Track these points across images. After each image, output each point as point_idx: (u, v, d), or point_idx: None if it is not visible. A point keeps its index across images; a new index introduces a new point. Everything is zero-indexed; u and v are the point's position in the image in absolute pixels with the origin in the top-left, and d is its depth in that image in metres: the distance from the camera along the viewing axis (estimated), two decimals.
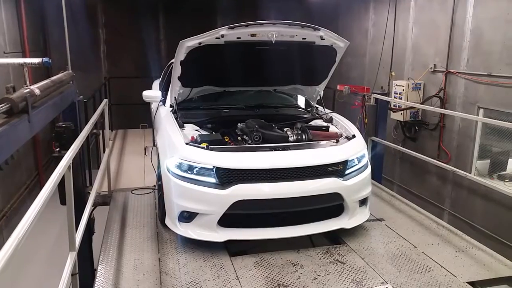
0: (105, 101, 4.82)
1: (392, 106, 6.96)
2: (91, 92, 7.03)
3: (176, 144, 3.75)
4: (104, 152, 6.27)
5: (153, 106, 5.71)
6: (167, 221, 3.82)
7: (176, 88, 4.42)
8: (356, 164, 3.94)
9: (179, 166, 3.63)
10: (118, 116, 9.55)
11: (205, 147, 3.67)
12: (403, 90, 7.16)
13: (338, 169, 3.75)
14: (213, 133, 4.25)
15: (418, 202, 7.11)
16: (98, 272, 3.42)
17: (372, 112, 5.92)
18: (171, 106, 4.64)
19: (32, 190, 7.97)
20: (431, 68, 7.03)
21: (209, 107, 4.72)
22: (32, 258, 4.74)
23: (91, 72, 10.02)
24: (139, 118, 8.58)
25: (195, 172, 3.58)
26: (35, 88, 3.23)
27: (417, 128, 7.35)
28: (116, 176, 5.97)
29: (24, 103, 2.91)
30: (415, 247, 3.88)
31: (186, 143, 3.71)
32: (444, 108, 6.61)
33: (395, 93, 7.20)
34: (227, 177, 3.52)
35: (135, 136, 8.52)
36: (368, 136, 5.87)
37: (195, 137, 3.93)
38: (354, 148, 3.98)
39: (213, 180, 3.54)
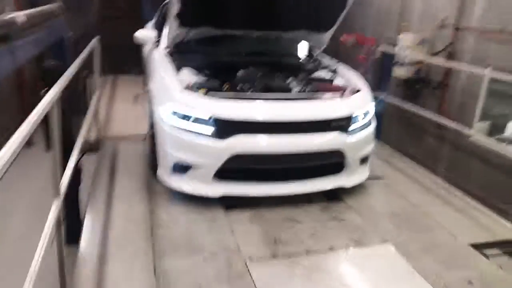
0: (95, 39, 4.46)
1: (398, 61, 6.65)
2: (82, 32, 6.59)
3: (171, 89, 3.48)
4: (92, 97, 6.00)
5: (146, 49, 5.35)
6: (160, 173, 3.63)
7: (173, 28, 4.07)
8: (361, 120, 3.73)
9: (174, 114, 3.39)
10: (109, 61, 9.08)
11: (204, 93, 3.42)
12: (409, 44, 6.83)
13: (341, 125, 3.54)
14: (212, 79, 3.98)
15: (413, 161, 7.08)
16: (85, 221, 3.27)
17: (377, 66, 5.63)
18: (166, 47, 4.31)
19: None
20: (440, 21, 6.66)
21: (208, 52, 4.40)
22: (14, 207, 4.58)
23: (82, 12, 9.36)
24: (131, 63, 8.18)
25: (191, 121, 3.35)
26: (20, 14, 2.87)
27: (419, 85, 7.09)
28: (105, 123, 5.71)
29: (5, 29, 2.57)
30: (415, 206, 3.78)
31: (185, 88, 3.45)
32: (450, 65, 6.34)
33: (400, 47, 6.86)
34: (225, 128, 3.30)
35: (126, 82, 8.16)
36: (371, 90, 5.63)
37: (192, 83, 3.67)
38: (360, 103, 3.76)
39: (209, 130, 3.32)
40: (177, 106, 3.37)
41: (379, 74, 5.67)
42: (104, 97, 7.15)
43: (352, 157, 3.63)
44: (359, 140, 3.63)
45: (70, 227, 3.29)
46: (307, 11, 4.13)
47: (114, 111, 6.29)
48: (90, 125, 5.05)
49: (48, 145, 5.00)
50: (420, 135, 7.18)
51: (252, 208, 3.50)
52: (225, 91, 3.77)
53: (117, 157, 4.55)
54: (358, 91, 3.88)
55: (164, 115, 3.44)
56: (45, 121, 2.41)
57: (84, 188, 4.13)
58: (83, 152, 5.28)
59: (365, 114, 3.78)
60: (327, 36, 4.55)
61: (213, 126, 3.31)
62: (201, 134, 3.32)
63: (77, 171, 5.24)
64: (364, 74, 6.04)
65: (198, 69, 4.07)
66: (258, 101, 3.42)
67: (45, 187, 2.93)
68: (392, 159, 4.97)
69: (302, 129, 3.39)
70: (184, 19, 3.90)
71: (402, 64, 6.67)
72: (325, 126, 3.47)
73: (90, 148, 5.06)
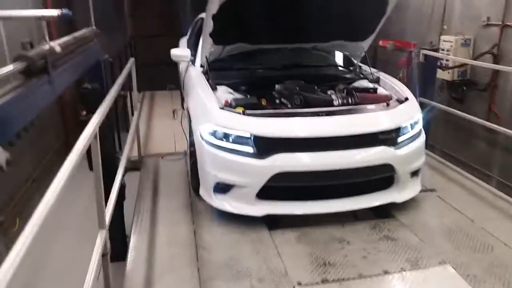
0: (131, 60, 4.49)
1: (441, 64, 6.34)
2: (116, 53, 6.73)
3: (209, 109, 3.41)
4: (132, 115, 6.05)
5: (182, 66, 5.36)
6: (202, 192, 3.56)
7: (207, 46, 4.03)
8: (410, 131, 3.52)
9: (214, 134, 3.31)
10: (145, 78, 9.25)
11: (241, 112, 3.32)
12: (451, 46, 6.51)
13: (389, 137, 3.35)
14: (248, 96, 3.89)
15: (464, 169, 6.69)
16: (130, 246, 3.23)
17: (420, 71, 5.38)
18: (201, 66, 4.27)
19: (61, 155, 7.90)
20: (483, 21, 6.31)
21: (242, 67, 4.33)
22: (60, 230, 4.66)
23: (115, 31, 9.63)
24: (166, 79, 8.27)
25: (231, 140, 3.26)
26: (56, 44, 2.89)
27: (464, 88, 6.74)
28: (145, 140, 5.74)
29: (43, 61, 2.58)
30: (473, 221, 3.51)
31: (221, 108, 3.38)
32: None
33: (442, 49, 6.56)
34: (266, 146, 3.19)
35: (163, 98, 8.24)
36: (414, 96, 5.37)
37: (229, 101, 3.59)
38: (408, 113, 3.55)
39: (250, 149, 3.22)
40: (216, 126, 3.29)
41: (423, 79, 5.39)
42: (143, 114, 7.24)
43: (402, 171, 3.42)
44: (409, 152, 3.42)
45: (116, 244, 3.27)
46: (343, 21, 3.97)
47: (153, 128, 6.33)
48: (131, 143, 5.11)
49: (91, 165, 5.08)
50: (470, 140, 6.81)
51: (297, 227, 3.35)
52: (263, 107, 3.68)
53: (158, 175, 4.54)
54: (404, 100, 3.67)
55: (204, 134, 3.38)
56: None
57: (128, 205, 4.16)
58: (126, 171, 5.37)
59: (414, 125, 3.57)
60: (365, 44, 4.37)
61: (253, 144, 3.21)
62: (242, 153, 3.22)
63: (121, 187, 5.33)
64: (406, 80, 5.82)
65: (234, 86, 4.00)
66: (298, 117, 3.29)
67: (89, 206, 2.94)
68: (441, 168, 4.69)
69: (347, 145, 3.23)
70: (217, 38, 3.85)
71: (446, 67, 6.37)
72: (372, 140, 3.29)
73: (132, 166, 5.11)
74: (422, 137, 3.65)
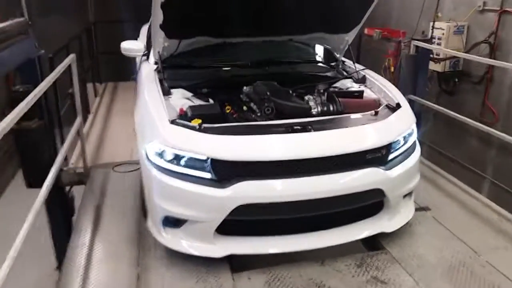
0: (71, 56, 3.73)
1: (435, 56, 5.70)
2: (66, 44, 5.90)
3: (156, 122, 2.72)
4: (84, 117, 5.33)
5: (139, 60, 4.60)
6: (149, 224, 2.90)
7: (159, 40, 3.31)
8: (402, 146, 2.91)
9: (161, 155, 2.63)
10: (109, 67, 8.40)
11: (197, 126, 2.65)
12: (443, 34, 5.90)
13: (378, 156, 2.73)
14: (210, 101, 3.21)
15: (453, 167, 6.16)
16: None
17: (410, 64, 4.75)
18: (155, 63, 3.56)
19: None
20: (479, 6, 5.70)
21: (205, 65, 3.62)
22: None
23: (69, 18, 8.56)
24: (132, 68, 7.46)
25: (183, 163, 2.59)
26: None
27: (456, 80, 6.16)
28: (98, 144, 5.02)
29: None
30: (476, 253, 2.95)
31: (172, 121, 2.69)
32: (494, 57, 5.40)
33: (433, 37, 5.93)
34: (228, 171, 2.54)
35: (126, 90, 7.43)
36: (404, 93, 4.75)
37: (184, 109, 2.92)
38: (400, 124, 2.92)
39: (207, 175, 2.56)
40: (163, 145, 2.60)
41: (413, 74, 4.77)
42: (102, 109, 6.48)
43: (393, 195, 2.82)
44: (402, 173, 2.81)
45: None
46: (324, 10, 3.29)
47: (109, 128, 5.58)
48: (68, 152, 4.38)
49: (28, 181, 4.36)
50: (460, 135, 6.25)
51: (267, 267, 2.73)
52: (227, 116, 3.02)
53: (105, 193, 3.85)
54: (395, 106, 3.04)
55: (150, 155, 2.69)
56: None
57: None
58: (70, 185, 4.66)
59: (408, 137, 2.95)
60: (349, 37, 3.70)
61: (211, 169, 2.55)
62: (196, 180, 2.56)
63: (70, 200, 4.62)
64: (394, 75, 5.19)
65: (194, 88, 3.31)
66: (268, 134, 2.62)
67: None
68: (434, 177, 4.11)
69: (328, 168, 2.60)
70: (170, 30, 3.13)
71: (437, 59, 5.75)
72: (357, 160, 2.66)
73: (78, 179, 4.40)
74: (417, 151, 3.04)
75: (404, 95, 4.39)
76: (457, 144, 6.20)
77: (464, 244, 3.04)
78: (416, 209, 3.32)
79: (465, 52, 5.73)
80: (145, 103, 2.99)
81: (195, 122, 2.70)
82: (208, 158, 2.52)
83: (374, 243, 3.00)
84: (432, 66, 6.08)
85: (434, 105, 4.61)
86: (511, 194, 5.37)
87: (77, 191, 4.40)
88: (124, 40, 4.05)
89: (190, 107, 2.95)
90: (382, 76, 6.44)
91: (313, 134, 2.63)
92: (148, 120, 2.83)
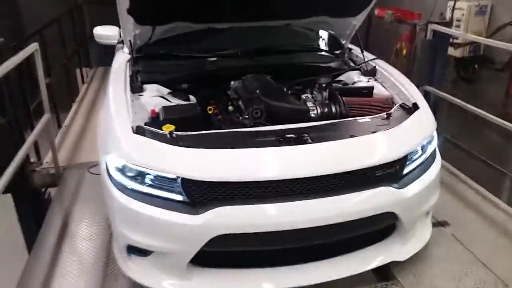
0: (33, 45, 3.22)
1: (454, 41, 5.08)
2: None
3: (116, 130, 2.22)
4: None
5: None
6: (114, 250, 2.45)
7: (129, 27, 2.79)
8: (420, 157, 2.39)
9: (123, 171, 2.14)
10: (99, 51, 7.84)
11: (169, 134, 2.15)
12: (463, 15, 5.27)
13: (390, 172, 2.22)
14: (192, 99, 2.71)
15: (471, 162, 5.61)
16: None
17: (427, 50, 4.16)
18: (129, 53, 3.03)
19: None
20: None
21: (186, 55, 3.09)
22: None
23: None
24: None
25: (148, 182, 2.10)
26: None
27: (476, 66, 5.56)
28: (77, 140, 4.55)
29: None
30: (503, 282, 2.47)
31: (137, 129, 2.19)
32: None
33: (452, 20, 5.30)
34: (204, 193, 2.04)
35: None
36: (419, 84, 4.18)
37: (157, 111, 2.42)
38: (419, 130, 2.39)
39: (178, 197, 2.07)
40: (124, 159, 2.11)
41: (430, 62, 4.20)
42: (87, 99, 5.99)
43: (408, 218, 2.32)
44: (419, 191, 2.29)
45: None
46: None
47: (90, 122, 5.07)
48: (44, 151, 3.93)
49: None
50: (478, 126, 5.66)
51: None
52: (209, 118, 2.52)
53: (76, 199, 3.40)
54: (412, 107, 2.50)
55: (110, 169, 2.20)
56: None
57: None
58: (44, 187, 4.21)
59: (426, 145, 2.43)
60: (357, 21, 3.14)
61: (182, 190, 2.05)
62: (165, 203, 2.07)
63: (46, 203, 4.19)
64: (408, 62, 4.61)
65: (172, 83, 2.80)
66: (254, 147, 2.10)
67: None
68: (453, 183, 3.60)
69: (328, 189, 2.09)
70: (140, 15, 2.61)
71: (457, 44, 5.14)
72: (365, 179, 2.15)
73: (51, 181, 3.96)
74: (438, 161, 2.52)
75: (419, 86, 3.83)
76: (476, 138, 5.61)
77: (490, 272, 2.55)
78: (433, 224, 2.83)
79: (488, 36, 5.13)
80: (108, 103, 2.49)
81: (167, 129, 2.20)
82: (178, 177, 2.03)
83: (383, 271, 2.51)
84: (450, 51, 5.48)
85: (455, 98, 4.03)
86: None
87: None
88: (114, 21, 3.51)
89: (164, 108, 2.45)
90: (393, 60, 5.90)
91: (309, 147, 2.11)
92: (108, 125, 2.32)
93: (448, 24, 4.58)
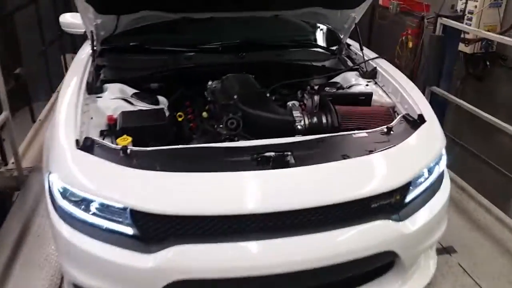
0: None
1: (465, 36, 4.63)
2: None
3: (59, 145, 1.83)
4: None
5: None
6: (65, 282, 2.09)
7: (88, 16, 2.38)
8: (425, 181, 1.99)
9: (65, 194, 1.76)
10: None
11: (122, 150, 1.76)
12: (475, 7, 4.81)
13: (390, 202, 1.83)
14: (162, 101, 2.33)
15: (479, 165, 5.21)
16: None
17: (435, 47, 3.74)
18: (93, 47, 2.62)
19: None
20: None
21: (158, 49, 2.68)
22: None
23: None
24: None
25: (92, 210, 1.72)
26: None
27: (488, 63, 5.12)
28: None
29: None
30: None
31: (84, 141, 1.80)
32: None
33: (464, 14, 4.84)
34: (159, 227, 1.66)
35: None
36: (426, 84, 3.77)
37: (115, 117, 2.04)
38: (426, 149, 2.00)
39: (128, 230, 1.69)
40: (65, 182, 1.73)
41: (438, 60, 3.77)
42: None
43: (408, 255, 1.94)
44: (422, 224, 1.90)
45: None
46: None
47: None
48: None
49: None
50: (484, 126, 5.23)
51: None
52: (182, 122, 2.15)
53: (37, 207, 3.03)
54: (418, 120, 2.11)
55: (53, 189, 1.82)
56: None
57: None
58: (8, 191, 3.85)
59: (433, 167, 2.03)
60: (357, 13, 2.72)
61: (132, 222, 1.67)
62: (110, 237, 1.69)
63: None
64: (415, 58, 4.18)
65: (140, 82, 2.41)
66: (221, 172, 1.70)
67: None
68: (461, 199, 3.22)
69: (311, 224, 1.70)
70: (99, 3, 2.20)
71: (468, 39, 4.68)
72: (357, 211, 1.76)
73: (15, 184, 3.59)
74: (446, 185, 2.12)
75: (425, 86, 3.43)
76: (489, 143, 5.18)
77: None
78: (437, 250, 2.45)
79: (503, 31, 4.67)
80: (57, 108, 2.09)
81: (122, 142, 1.82)
82: (126, 208, 1.65)
83: None
84: (460, 47, 5.04)
85: (465, 103, 3.61)
86: None
87: None
88: None
89: (123, 114, 2.06)
90: (398, 53, 5.46)
91: (291, 172, 1.72)
92: (52, 137, 1.93)
93: (461, 18, 4.13)
